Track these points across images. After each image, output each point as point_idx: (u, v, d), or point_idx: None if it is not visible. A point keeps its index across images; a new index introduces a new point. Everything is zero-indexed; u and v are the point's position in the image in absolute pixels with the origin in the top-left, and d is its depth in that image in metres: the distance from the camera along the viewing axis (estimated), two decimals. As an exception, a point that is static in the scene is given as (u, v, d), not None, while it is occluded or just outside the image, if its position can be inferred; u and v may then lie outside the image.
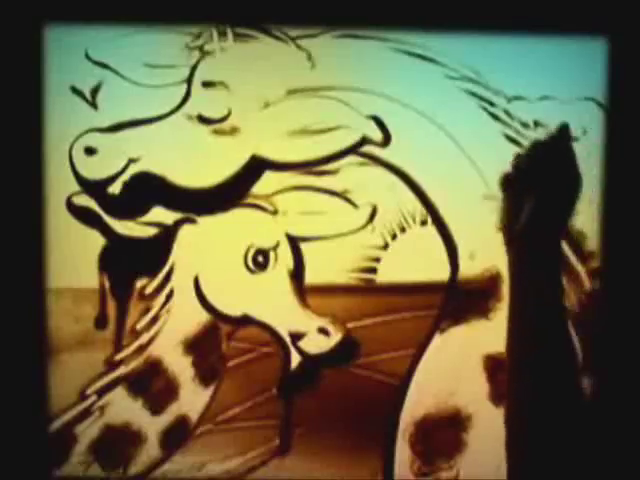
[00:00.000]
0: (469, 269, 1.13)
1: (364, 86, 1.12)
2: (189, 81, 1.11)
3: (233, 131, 1.12)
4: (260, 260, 1.12)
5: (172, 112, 1.11)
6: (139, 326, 1.13)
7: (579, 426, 0.65)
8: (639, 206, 1.13)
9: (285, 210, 1.13)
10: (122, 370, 1.13)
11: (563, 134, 0.75)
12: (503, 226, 0.74)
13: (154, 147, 1.11)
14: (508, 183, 0.76)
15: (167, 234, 1.12)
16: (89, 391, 1.13)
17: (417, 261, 1.14)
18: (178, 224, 1.12)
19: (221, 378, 1.14)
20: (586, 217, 1.14)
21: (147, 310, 1.13)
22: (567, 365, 0.67)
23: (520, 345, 0.69)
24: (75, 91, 1.11)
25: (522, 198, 0.72)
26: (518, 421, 0.67)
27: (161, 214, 1.12)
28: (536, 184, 0.72)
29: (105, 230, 1.12)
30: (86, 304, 1.12)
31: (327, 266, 1.14)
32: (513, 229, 0.72)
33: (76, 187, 1.11)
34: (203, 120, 1.12)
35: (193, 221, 1.12)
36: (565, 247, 1.15)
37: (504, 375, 0.71)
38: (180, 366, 1.13)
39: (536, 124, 1.13)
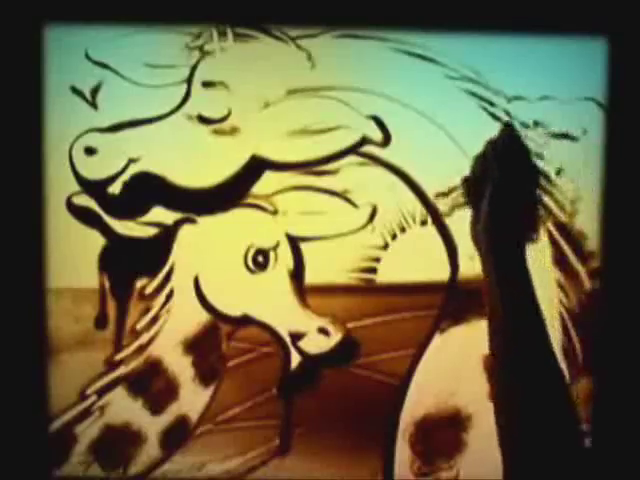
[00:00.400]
0: (469, 269, 1.13)
1: (364, 86, 1.12)
2: (189, 81, 1.11)
3: (233, 131, 1.12)
4: (260, 260, 1.12)
5: (172, 112, 1.11)
6: (139, 326, 1.13)
7: (562, 420, 0.65)
8: (639, 206, 1.13)
9: (285, 210, 1.13)
10: (122, 370, 1.13)
11: (506, 132, 0.76)
12: (470, 226, 0.76)
13: (154, 147, 1.11)
14: (467, 185, 0.77)
15: (167, 234, 1.12)
16: (89, 391, 1.13)
17: (417, 261, 1.14)
18: (178, 224, 1.12)
19: (221, 378, 1.14)
20: (586, 217, 1.14)
21: (147, 310, 1.13)
22: (544, 362, 0.67)
23: (497, 344, 0.69)
24: (75, 91, 1.11)
25: (480, 198, 0.73)
26: (504, 418, 0.67)
27: (161, 214, 1.12)
28: (489, 183, 0.72)
29: (105, 230, 1.12)
30: (86, 304, 1.12)
31: (327, 266, 1.14)
32: (476, 228, 0.73)
33: (76, 187, 1.11)
34: (203, 120, 1.12)
35: (193, 221, 1.12)
36: (565, 247, 1.15)
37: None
38: (180, 366, 1.13)
39: (536, 124, 1.13)
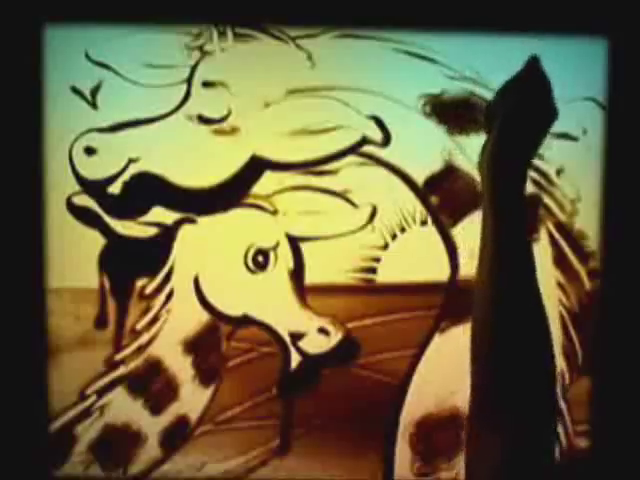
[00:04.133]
0: (469, 269, 1.13)
1: (364, 86, 1.12)
2: (189, 81, 1.11)
3: (233, 131, 1.12)
4: (260, 260, 1.12)
5: (172, 112, 1.11)
6: (139, 326, 1.13)
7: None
8: (639, 206, 1.13)
9: (285, 210, 1.13)
10: (122, 370, 1.13)
11: (532, 68, 0.76)
12: (480, 151, 0.74)
13: (154, 147, 1.11)
14: (487, 110, 0.76)
15: (167, 234, 1.12)
16: (89, 391, 1.13)
17: (417, 261, 1.14)
18: (178, 224, 1.12)
19: (221, 378, 1.14)
20: (586, 217, 1.14)
21: (147, 310, 1.13)
22: (528, 295, 0.67)
23: (483, 273, 0.69)
24: (75, 91, 1.11)
25: (494, 123, 0.72)
26: (479, 348, 0.67)
27: (161, 214, 1.12)
28: (503, 114, 0.72)
29: (105, 230, 1.12)
30: (86, 304, 1.12)
31: (327, 266, 1.14)
32: (484, 153, 0.72)
33: (76, 187, 1.11)
34: (203, 120, 1.12)
35: (193, 221, 1.12)
36: (565, 247, 1.15)
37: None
38: (180, 366, 1.13)
39: (536, 124, 1.13)
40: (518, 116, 0.72)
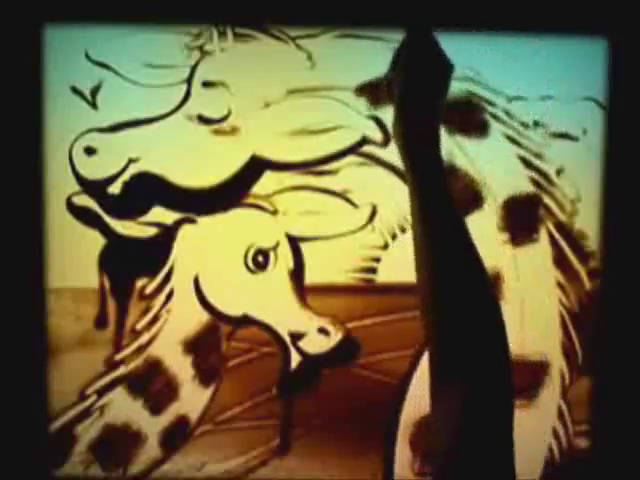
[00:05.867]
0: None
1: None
2: (189, 81, 1.11)
3: (233, 131, 1.12)
4: (260, 260, 1.12)
5: (172, 112, 1.11)
6: (139, 326, 1.13)
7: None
8: (639, 206, 1.13)
9: (285, 210, 1.13)
10: (122, 370, 1.13)
11: (415, 34, 0.75)
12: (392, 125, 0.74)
13: (154, 147, 1.11)
14: (386, 85, 0.76)
15: (167, 234, 1.12)
16: (89, 391, 1.13)
17: (417, 261, 1.14)
18: (178, 224, 1.12)
19: (221, 378, 1.14)
20: (586, 217, 1.14)
21: (147, 310, 1.13)
22: (462, 251, 0.68)
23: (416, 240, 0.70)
24: (75, 91, 1.11)
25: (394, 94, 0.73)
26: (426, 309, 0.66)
27: (161, 214, 1.12)
28: (400, 81, 0.72)
29: (105, 230, 1.12)
30: (86, 304, 1.12)
31: (327, 266, 1.14)
32: (393, 125, 0.73)
33: (76, 187, 1.11)
34: (203, 120, 1.12)
35: (193, 221, 1.12)
36: (565, 247, 1.15)
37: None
38: (180, 366, 1.13)
39: (536, 124, 1.13)
40: (414, 78, 0.71)
